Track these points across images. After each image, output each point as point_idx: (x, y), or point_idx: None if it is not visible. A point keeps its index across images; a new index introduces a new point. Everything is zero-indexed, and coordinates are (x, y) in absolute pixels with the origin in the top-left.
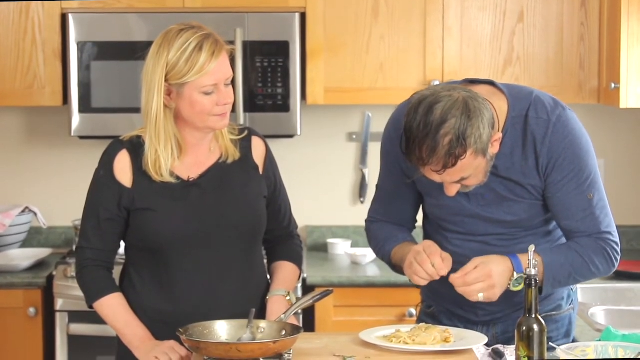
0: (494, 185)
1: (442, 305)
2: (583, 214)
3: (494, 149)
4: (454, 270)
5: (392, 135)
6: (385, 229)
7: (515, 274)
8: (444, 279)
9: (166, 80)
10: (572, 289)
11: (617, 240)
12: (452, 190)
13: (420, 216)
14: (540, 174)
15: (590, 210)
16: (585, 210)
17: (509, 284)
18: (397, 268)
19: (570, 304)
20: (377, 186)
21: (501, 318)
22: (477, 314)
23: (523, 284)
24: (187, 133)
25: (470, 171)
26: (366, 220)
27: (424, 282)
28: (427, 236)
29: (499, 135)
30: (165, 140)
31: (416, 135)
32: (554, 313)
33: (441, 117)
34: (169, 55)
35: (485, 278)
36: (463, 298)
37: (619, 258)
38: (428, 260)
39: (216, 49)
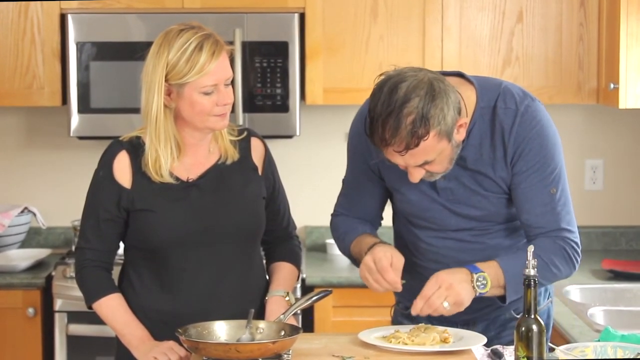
0: (463, 179)
1: None
2: (543, 209)
3: (459, 135)
4: (433, 268)
5: (360, 130)
6: (346, 222)
7: (473, 274)
8: (421, 279)
9: (166, 80)
10: None
11: (577, 240)
12: (416, 176)
13: (390, 216)
14: (507, 165)
15: (552, 206)
16: (547, 205)
17: (474, 288)
18: (358, 262)
19: (548, 298)
20: (343, 181)
21: (480, 317)
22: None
23: (489, 284)
24: (187, 133)
25: (433, 155)
26: (331, 215)
27: (382, 291)
28: (397, 236)
29: (465, 120)
30: (165, 140)
31: (379, 114)
32: None
33: (405, 96)
34: (169, 55)
35: (440, 283)
36: None
37: (579, 259)
38: (382, 279)
39: (216, 49)
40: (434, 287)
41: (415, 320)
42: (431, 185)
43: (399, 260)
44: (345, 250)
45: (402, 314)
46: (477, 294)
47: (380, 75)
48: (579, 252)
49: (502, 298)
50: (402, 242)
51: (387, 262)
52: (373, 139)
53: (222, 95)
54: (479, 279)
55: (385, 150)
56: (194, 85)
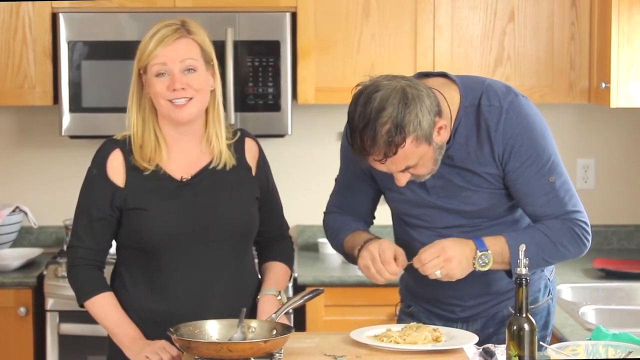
0: (451, 177)
1: (419, 304)
2: (546, 198)
3: (441, 137)
4: None
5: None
6: (339, 219)
7: (478, 251)
8: (419, 279)
9: (139, 67)
10: (549, 279)
11: (587, 220)
12: (402, 180)
13: (388, 216)
14: (496, 162)
15: (554, 194)
16: (549, 194)
17: (474, 263)
18: (350, 257)
19: (548, 295)
20: (336, 180)
21: (479, 314)
22: (454, 312)
23: (491, 262)
24: (165, 125)
25: (414, 159)
26: (323, 213)
27: (382, 282)
28: (397, 235)
29: (444, 122)
30: (144, 125)
31: (357, 125)
32: (532, 307)
33: (379, 106)
34: (140, 43)
35: (439, 253)
36: (439, 297)
37: (589, 237)
38: (385, 270)
39: (172, 34)
40: (433, 255)
41: (419, 319)
42: (421, 184)
43: (403, 255)
44: (339, 246)
45: (405, 312)
46: (476, 270)
47: (357, 86)
48: (589, 231)
49: (508, 272)
50: (398, 240)
51: (391, 255)
52: (354, 149)
53: (174, 79)
54: (482, 257)
55: (366, 159)
56: (149, 67)
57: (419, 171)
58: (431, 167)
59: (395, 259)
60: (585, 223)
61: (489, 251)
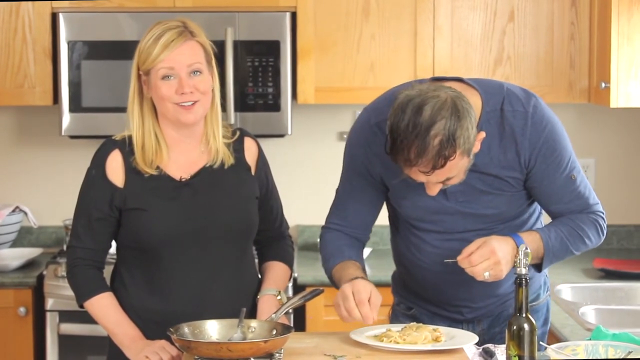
0: (473, 182)
1: (423, 307)
2: (571, 196)
3: (475, 148)
4: (436, 271)
5: (360, 141)
6: (334, 242)
7: (518, 251)
8: (425, 282)
9: (140, 70)
10: (546, 275)
11: (604, 210)
12: (434, 190)
13: (386, 214)
14: (521, 166)
15: (577, 191)
16: (572, 192)
17: (516, 262)
18: (337, 286)
19: (547, 291)
20: (337, 191)
21: (485, 314)
22: (462, 313)
23: (529, 261)
24: (167, 126)
25: (455, 171)
26: (322, 227)
27: (349, 321)
28: (398, 238)
29: (483, 134)
30: (144, 127)
31: (404, 136)
32: (534, 304)
33: (430, 117)
34: (141, 44)
35: (490, 255)
36: (449, 299)
37: (606, 225)
38: (355, 309)
39: (178, 37)
40: (484, 257)
41: (421, 321)
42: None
43: (377, 297)
44: (327, 272)
45: (404, 314)
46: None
47: (399, 93)
48: (605, 219)
49: (537, 266)
50: (403, 243)
51: (365, 296)
52: (396, 159)
53: (183, 82)
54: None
55: (409, 170)
56: (155, 71)
57: (453, 182)
58: (462, 177)
59: (370, 300)
60: (604, 213)
61: (529, 250)
